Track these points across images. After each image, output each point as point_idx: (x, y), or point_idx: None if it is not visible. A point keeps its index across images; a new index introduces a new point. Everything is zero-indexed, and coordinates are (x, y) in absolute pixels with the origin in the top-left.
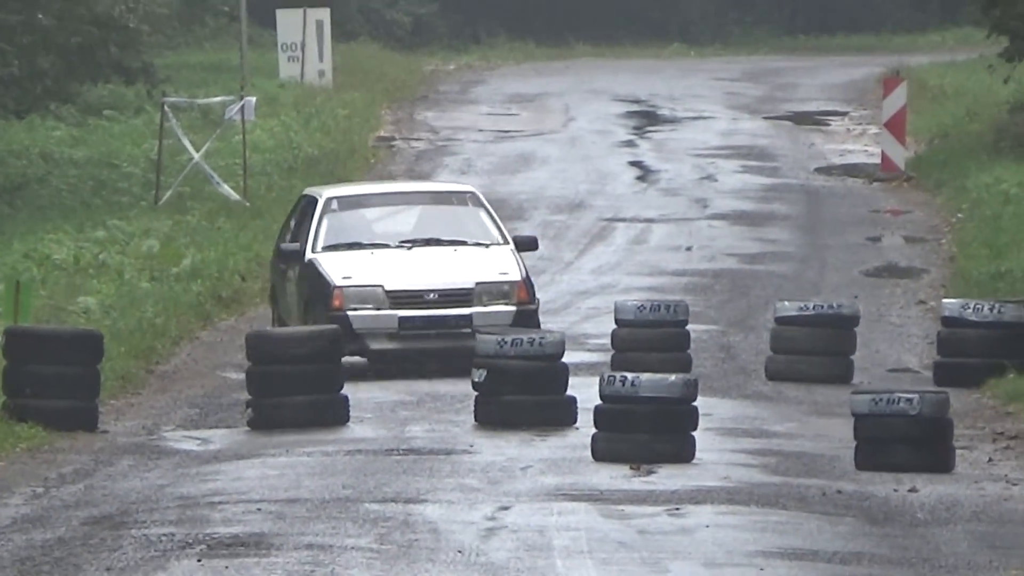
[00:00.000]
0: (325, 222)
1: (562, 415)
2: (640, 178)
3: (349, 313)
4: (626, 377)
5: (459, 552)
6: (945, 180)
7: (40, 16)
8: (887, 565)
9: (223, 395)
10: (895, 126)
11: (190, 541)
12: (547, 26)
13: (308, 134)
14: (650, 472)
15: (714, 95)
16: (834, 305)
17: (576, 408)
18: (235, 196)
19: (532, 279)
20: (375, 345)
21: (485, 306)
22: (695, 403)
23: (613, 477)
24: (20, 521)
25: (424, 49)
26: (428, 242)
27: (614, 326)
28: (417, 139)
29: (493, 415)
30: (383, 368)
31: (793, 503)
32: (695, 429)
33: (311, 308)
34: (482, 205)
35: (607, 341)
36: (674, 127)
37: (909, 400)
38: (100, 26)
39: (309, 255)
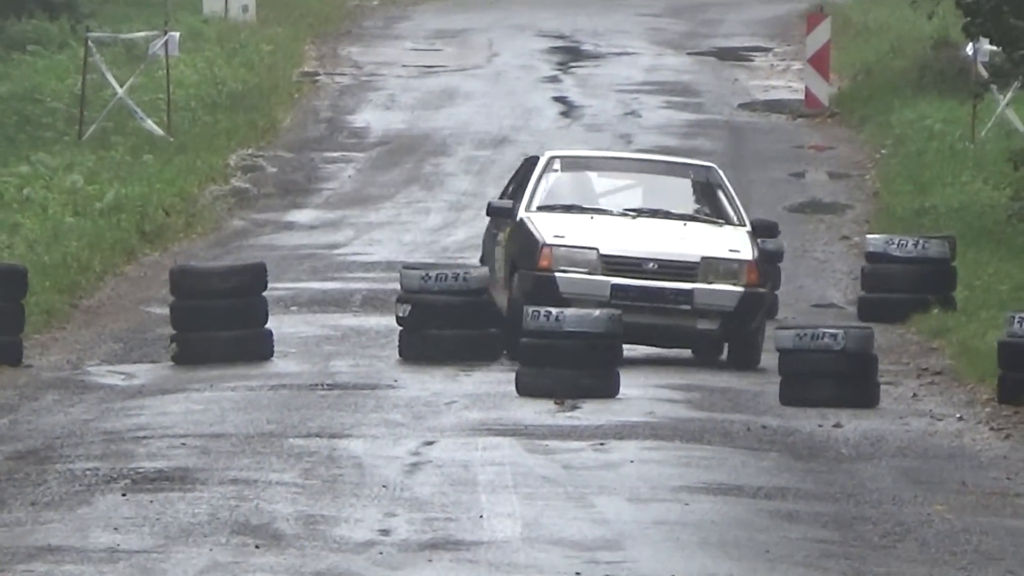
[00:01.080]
0: (544, 181)
1: (486, 350)
2: (564, 114)
3: (557, 275)
4: (550, 312)
5: (384, 487)
6: (869, 116)
7: None
8: (812, 500)
9: (148, 330)
10: (819, 62)
11: (115, 476)
12: None
13: (232, 69)
14: (574, 407)
15: (638, 31)
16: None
17: (499, 343)
18: (159, 131)
19: (772, 266)
20: None
21: (710, 283)
22: (619, 338)
23: (538, 412)
24: None
25: None
26: (655, 213)
27: None
28: (341, 74)
29: (417, 350)
30: None
31: (718, 438)
32: (619, 364)
33: (517, 269)
34: (721, 183)
35: None
36: (598, 63)
37: (833, 335)
38: None
39: (522, 214)
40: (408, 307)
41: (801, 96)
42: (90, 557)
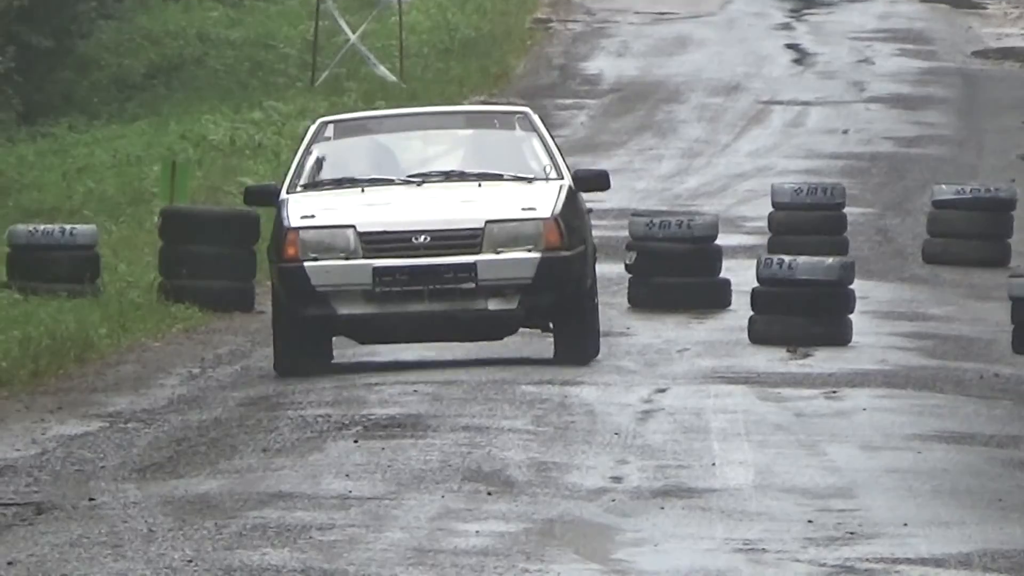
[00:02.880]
0: (313, 153)
1: (715, 298)
2: (797, 61)
3: (306, 264)
4: (783, 260)
5: (616, 434)
6: None
7: None
8: None
9: None
10: None
11: (346, 422)
12: None
13: (464, 16)
14: (807, 355)
15: None
16: (991, 189)
17: (730, 290)
18: (391, 77)
19: (586, 218)
20: (344, 309)
21: (497, 253)
22: (852, 286)
23: (770, 360)
24: (176, 402)
25: None
26: (448, 176)
27: (771, 209)
28: (574, 21)
29: (644, 298)
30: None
31: (950, 387)
32: (852, 312)
33: (270, 261)
34: (537, 130)
35: (764, 224)
36: (831, 10)
37: None
38: None
39: (283, 195)
40: (634, 254)
41: None
42: (321, 504)
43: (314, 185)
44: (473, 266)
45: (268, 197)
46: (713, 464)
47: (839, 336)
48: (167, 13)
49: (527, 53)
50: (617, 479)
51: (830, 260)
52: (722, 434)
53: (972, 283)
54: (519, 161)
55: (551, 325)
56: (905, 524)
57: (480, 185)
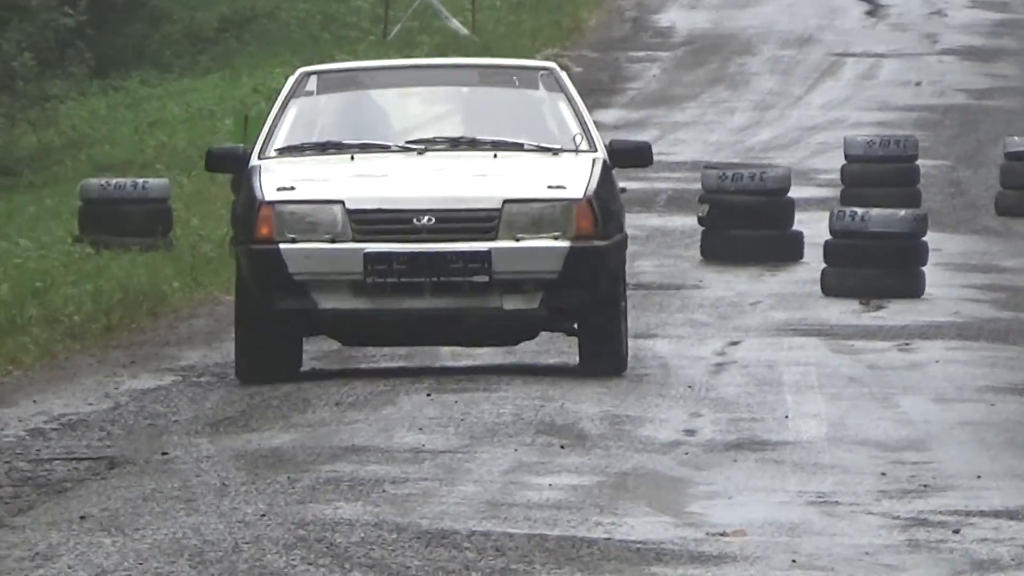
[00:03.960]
0: (292, 111)
1: (788, 250)
2: (869, 13)
3: (283, 247)
4: (856, 212)
5: (689, 387)
6: None
7: None
8: None
9: None
10: None
11: (419, 376)
12: None
13: None
14: (879, 307)
15: None
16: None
17: (803, 243)
18: (464, 31)
19: (620, 200)
20: (327, 303)
21: (516, 240)
22: (925, 238)
23: (842, 312)
24: None
25: None
26: (456, 144)
27: (843, 161)
28: None
29: (717, 250)
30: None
31: (1023, 339)
32: (925, 264)
33: (236, 241)
34: (562, 90)
35: (836, 176)
36: None
37: None
38: None
39: (254, 161)
40: (707, 207)
41: None
42: (395, 457)
43: (292, 150)
44: (487, 255)
45: (235, 163)
46: (786, 417)
47: (912, 288)
48: None
49: (599, 6)
50: (690, 432)
51: (903, 212)
52: (795, 387)
53: None
54: (543, 128)
55: (576, 327)
56: (978, 476)
57: (496, 156)
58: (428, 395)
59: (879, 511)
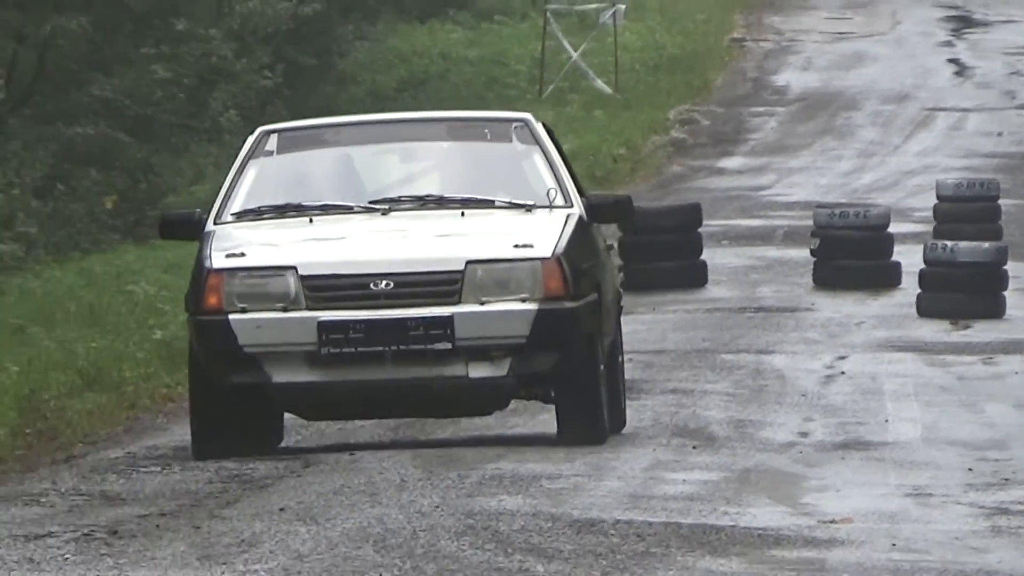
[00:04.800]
0: (251, 172)
1: (888, 278)
2: (957, 73)
3: (232, 318)
4: (946, 244)
5: (802, 396)
6: None
7: None
8: None
9: None
10: None
11: None
12: None
13: (671, 36)
14: (967, 327)
15: (1022, 2)
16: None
17: (901, 271)
18: (608, 90)
19: (602, 257)
20: (281, 377)
21: (481, 303)
22: (1006, 267)
23: (935, 331)
24: None
25: None
26: (423, 202)
27: (935, 201)
28: (765, 40)
29: (827, 278)
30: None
31: None
32: (1006, 289)
33: (187, 310)
34: (537, 142)
35: (929, 214)
36: (987, 29)
37: None
38: None
39: (209, 227)
40: (818, 240)
41: None
42: (550, 456)
43: (249, 213)
44: (449, 320)
45: (190, 229)
46: (886, 421)
47: (995, 310)
48: (414, 35)
49: (725, 68)
50: (804, 434)
51: (987, 245)
52: (894, 395)
53: None
54: (516, 183)
55: (552, 395)
56: None
57: (463, 214)
58: None
59: (967, 502)
